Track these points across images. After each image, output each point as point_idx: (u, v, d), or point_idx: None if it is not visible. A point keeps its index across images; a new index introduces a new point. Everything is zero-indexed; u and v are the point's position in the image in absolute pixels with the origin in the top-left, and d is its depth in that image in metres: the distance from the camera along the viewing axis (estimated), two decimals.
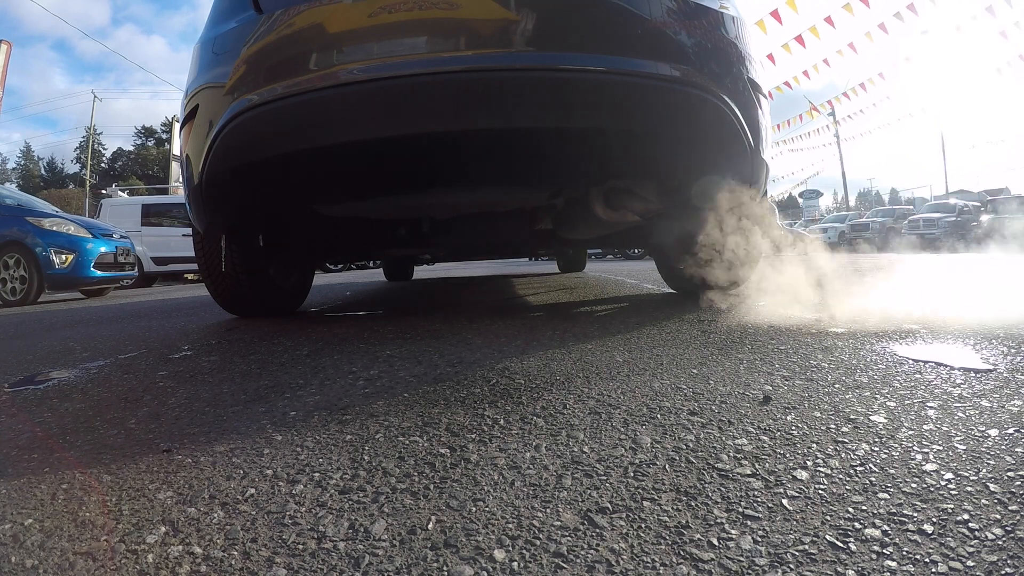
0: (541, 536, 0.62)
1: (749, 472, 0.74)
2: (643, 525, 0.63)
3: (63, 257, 6.07)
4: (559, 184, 2.39)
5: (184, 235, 10.14)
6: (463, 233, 3.06)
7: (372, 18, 1.74)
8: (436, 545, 0.61)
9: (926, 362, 1.25)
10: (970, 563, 0.54)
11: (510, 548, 0.60)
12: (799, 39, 10.61)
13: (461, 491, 0.73)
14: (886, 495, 0.66)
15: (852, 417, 0.92)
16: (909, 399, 0.99)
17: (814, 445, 0.82)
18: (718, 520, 0.63)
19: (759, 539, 0.59)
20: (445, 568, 0.57)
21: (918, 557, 0.55)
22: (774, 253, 2.34)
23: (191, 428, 1.03)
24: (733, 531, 0.61)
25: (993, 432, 0.83)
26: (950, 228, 15.54)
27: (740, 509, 0.65)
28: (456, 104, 1.72)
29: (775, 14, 9.38)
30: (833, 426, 0.89)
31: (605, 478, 0.75)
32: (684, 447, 0.84)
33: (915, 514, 0.62)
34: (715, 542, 0.59)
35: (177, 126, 5.27)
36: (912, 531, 0.59)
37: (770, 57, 10.63)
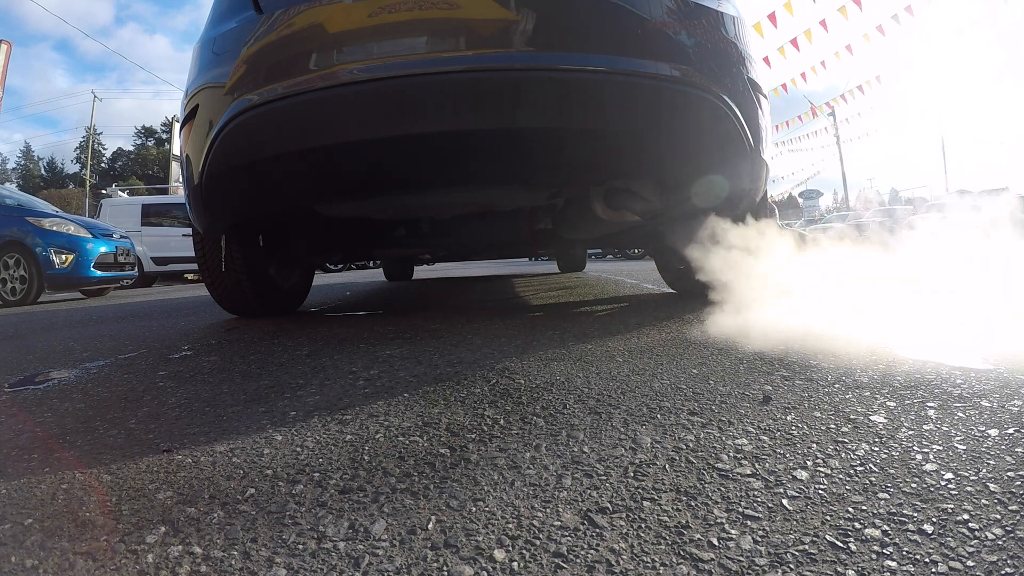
0: (541, 536, 0.62)
1: (749, 472, 0.74)
2: (643, 525, 0.63)
3: (63, 257, 6.06)
4: (559, 184, 2.39)
5: (184, 235, 10.13)
6: (463, 233, 3.06)
7: (372, 18, 1.74)
8: (436, 545, 0.61)
9: (926, 362, 1.26)
10: (970, 563, 0.54)
11: (510, 548, 0.60)
12: (794, 42, 10.61)
13: (461, 491, 0.73)
14: (886, 495, 0.66)
15: (852, 417, 0.92)
16: (909, 399, 0.99)
17: (814, 445, 0.82)
18: (718, 520, 0.63)
19: (759, 539, 0.59)
20: (445, 568, 0.57)
21: (918, 557, 0.55)
22: (773, 253, 2.34)
23: (191, 428, 1.03)
24: (733, 531, 0.61)
25: (993, 432, 0.83)
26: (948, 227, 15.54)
27: (740, 509, 0.65)
28: (456, 104, 1.72)
29: (771, 17, 9.39)
30: (833, 426, 0.89)
31: (605, 478, 0.75)
32: (684, 447, 0.84)
33: (915, 514, 0.62)
34: (715, 542, 0.59)
35: (177, 126, 5.27)
36: (912, 531, 0.59)
37: (766, 60, 10.64)
